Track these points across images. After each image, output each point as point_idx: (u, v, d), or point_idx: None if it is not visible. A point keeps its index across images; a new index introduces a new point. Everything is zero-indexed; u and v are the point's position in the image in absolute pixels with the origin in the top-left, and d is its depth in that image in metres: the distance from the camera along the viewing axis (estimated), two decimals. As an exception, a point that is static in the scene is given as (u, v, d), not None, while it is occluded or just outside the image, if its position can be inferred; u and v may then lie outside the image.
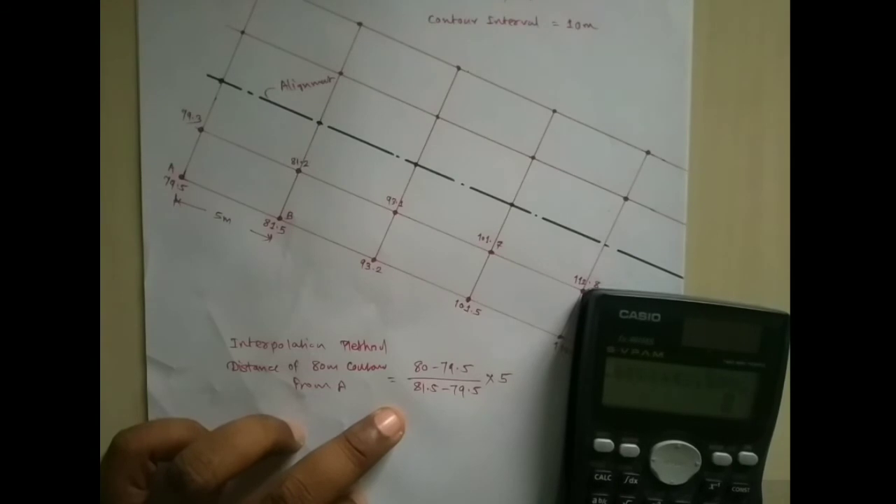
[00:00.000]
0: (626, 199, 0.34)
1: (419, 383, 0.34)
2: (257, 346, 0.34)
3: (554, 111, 0.33)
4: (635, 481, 0.31)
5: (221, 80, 0.33)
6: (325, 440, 0.32)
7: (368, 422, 0.33)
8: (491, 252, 0.34)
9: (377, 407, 0.34)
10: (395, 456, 0.34)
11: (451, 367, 0.34)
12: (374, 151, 0.33)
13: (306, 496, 0.29)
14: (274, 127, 0.33)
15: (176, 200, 0.33)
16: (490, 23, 0.33)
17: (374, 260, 0.33)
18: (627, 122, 0.33)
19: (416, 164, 0.33)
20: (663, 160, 0.34)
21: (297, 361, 0.34)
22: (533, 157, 0.33)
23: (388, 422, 0.33)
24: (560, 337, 0.34)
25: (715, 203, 0.34)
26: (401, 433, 0.33)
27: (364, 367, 0.34)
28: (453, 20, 0.33)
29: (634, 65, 0.33)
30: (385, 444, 0.32)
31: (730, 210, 0.34)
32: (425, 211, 0.33)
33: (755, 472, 0.31)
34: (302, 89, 0.33)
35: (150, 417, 0.34)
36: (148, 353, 0.34)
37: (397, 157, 0.33)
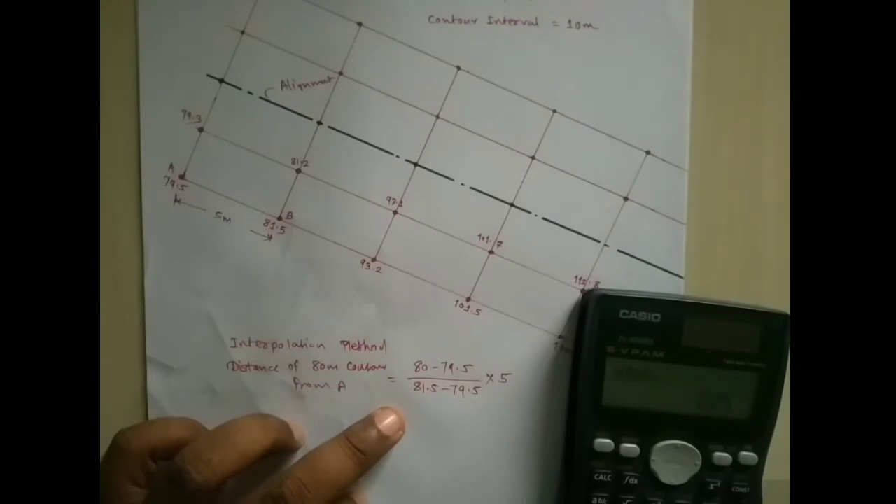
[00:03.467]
0: (626, 199, 0.34)
1: (419, 383, 0.34)
2: (257, 346, 0.34)
3: (554, 111, 0.33)
4: (635, 481, 0.31)
5: (221, 80, 0.33)
6: (325, 440, 0.32)
7: (369, 421, 0.33)
8: (491, 252, 0.34)
9: (377, 407, 0.34)
10: (395, 456, 0.34)
11: (451, 367, 0.34)
12: (374, 151, 0.33)
13: (306, 495, 0.29)
14: (274, 127, 0.33)
15: (176, 200, 0.33)
16: (490, 23, 0.33)
17: (374, 260, 0.33)
18: (627, 122, 0.33)
19: (416, 164, 0.33)
20: (663, 160, 0.34)
21: (297, 361, 0.34)
22: (533, 157, 0.33)
23: (388, 421, 0.33)
24: (560, 337, 0.34)
25: (715, 203, 0.34)
26: (401, 433, 0.33)
27: (364, 367, 0.34)
28: (453, 20, 0.33)
29: (634, 65, 0.33)
30: (385, 444, 0.32)
31: (730, 210, 0.34)
32: (425, 211, 0.33)
33: (755, 472, 0.31)
34: (302, 89, 0.33)
35: (150, 417, 0.34)
36: (148, 353, 0.34)
37: (397, 157, 0.33)
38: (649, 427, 0.31)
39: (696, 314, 0.31)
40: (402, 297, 0.34)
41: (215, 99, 0.33)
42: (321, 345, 0.34)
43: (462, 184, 0.33)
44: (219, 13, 0.33)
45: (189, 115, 0.33)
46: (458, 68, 0.33)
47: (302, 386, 0.34)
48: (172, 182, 0.33)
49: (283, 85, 0.33)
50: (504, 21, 0.33)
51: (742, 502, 0.31)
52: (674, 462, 0.31)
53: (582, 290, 0.34)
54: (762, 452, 0.31)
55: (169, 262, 0.33)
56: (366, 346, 0.34)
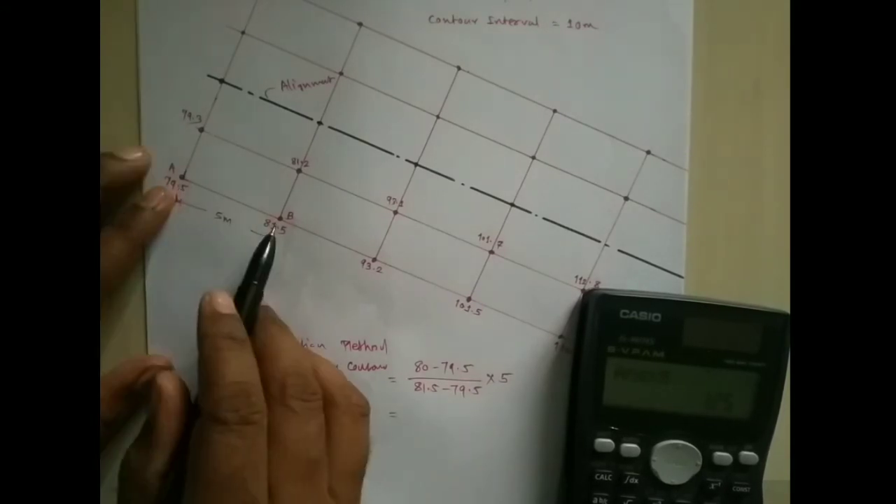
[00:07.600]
0: (626, 198, 0.34)
1: (420, 383, 0.34)
2: (258, 346, 0.34)
3: (554, 111, 0.33)
4: (636, 481, 0.31)
5: (222, 81, 0.33)
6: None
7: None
8: (491, 252, 0.34)
9: (378, 407, 0.33)
10: (395, 456, 0.34)
11: (451, 366, 0.34)
12: (375, 151, 0.33)
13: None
14: (274, 127, 0.33)
15: (176, 200, 0.33)
16: (490, 23, 0.33)
17: (374, 260, 0.33)
18: (627, 121, 0.33)
19: (416, 164, 0.33)
20: (663, 160, 0.34)
21: (297, 361, 0.34)
22: (533, 157, 0.33)
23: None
24: (560, 337, 0.34)
25: (715, 203, 0.34)
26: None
27: (364, 367, 0.34)
28: (453, 20, 0.33)
29: (634, 65, 0.33)
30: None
31: (730, 210, 0.34)
32: (426, 211, 0.33)
33: (756, 472, 0.31)
34: (302, 89, 0.33)
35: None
36: (149, 353, 0.34)
37: (397, 157, 0.33)
38: (650, 427, 0.31)
39: (696, 314, 0.31)
40: (402, 297, 0.34)
41: (216, 99, 0.33)
42: (321, 345, 0.34)
43: (462, 184, 0.33)
44: (219, 13, 0.33)
45: (189, 115, 0.33)
46: (458, 68, 0.33)
47: (302, 386, 0.34)
48: (173, 182, 0.33)
49: (284, 85, 0.33)
50: (504, 21, 0.33)
51: (743, 502, 0.31)
52: (674, 462, 0.31)
53: (582, 290, 0.34)
54: (763, 452, 0.31)
55: (169, 262, 0.33)
56: (366, 346, 0.34)
